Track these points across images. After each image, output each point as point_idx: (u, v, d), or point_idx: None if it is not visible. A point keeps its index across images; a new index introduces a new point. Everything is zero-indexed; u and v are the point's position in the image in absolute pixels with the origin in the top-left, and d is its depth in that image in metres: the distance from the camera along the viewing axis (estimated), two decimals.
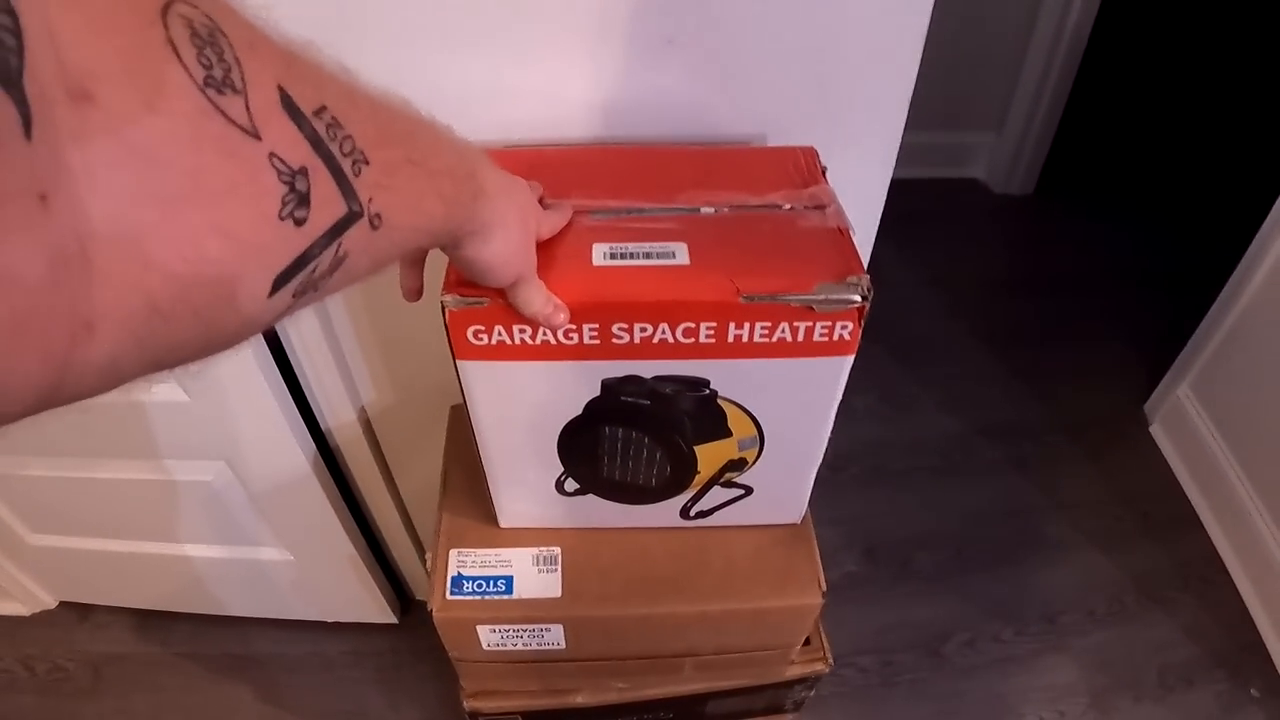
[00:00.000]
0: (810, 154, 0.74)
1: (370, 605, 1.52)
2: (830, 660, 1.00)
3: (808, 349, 0.62)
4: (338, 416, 1.15)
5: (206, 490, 1.22)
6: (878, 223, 0.94)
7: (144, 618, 1.65)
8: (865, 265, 0.63)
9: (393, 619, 1.59)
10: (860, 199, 0.89)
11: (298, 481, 1.19)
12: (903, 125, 0.83)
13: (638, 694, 0.98)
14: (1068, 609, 1.66)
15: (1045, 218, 2.65)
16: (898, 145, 0.85)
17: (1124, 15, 2.47)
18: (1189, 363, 1.84)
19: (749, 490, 0.79)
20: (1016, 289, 2.42)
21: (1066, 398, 2.05)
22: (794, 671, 1.00)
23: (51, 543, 1.45)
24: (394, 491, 1.32)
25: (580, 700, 0.98)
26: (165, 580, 1.50)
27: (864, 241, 0.93)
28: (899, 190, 2.75)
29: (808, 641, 1.01)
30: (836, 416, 0.69)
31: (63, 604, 1.69)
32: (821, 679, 1.04)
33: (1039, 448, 1.95)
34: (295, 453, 1.14)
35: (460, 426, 0.94)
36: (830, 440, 0.72)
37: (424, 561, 1.47)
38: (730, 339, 0.62)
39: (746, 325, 0.61)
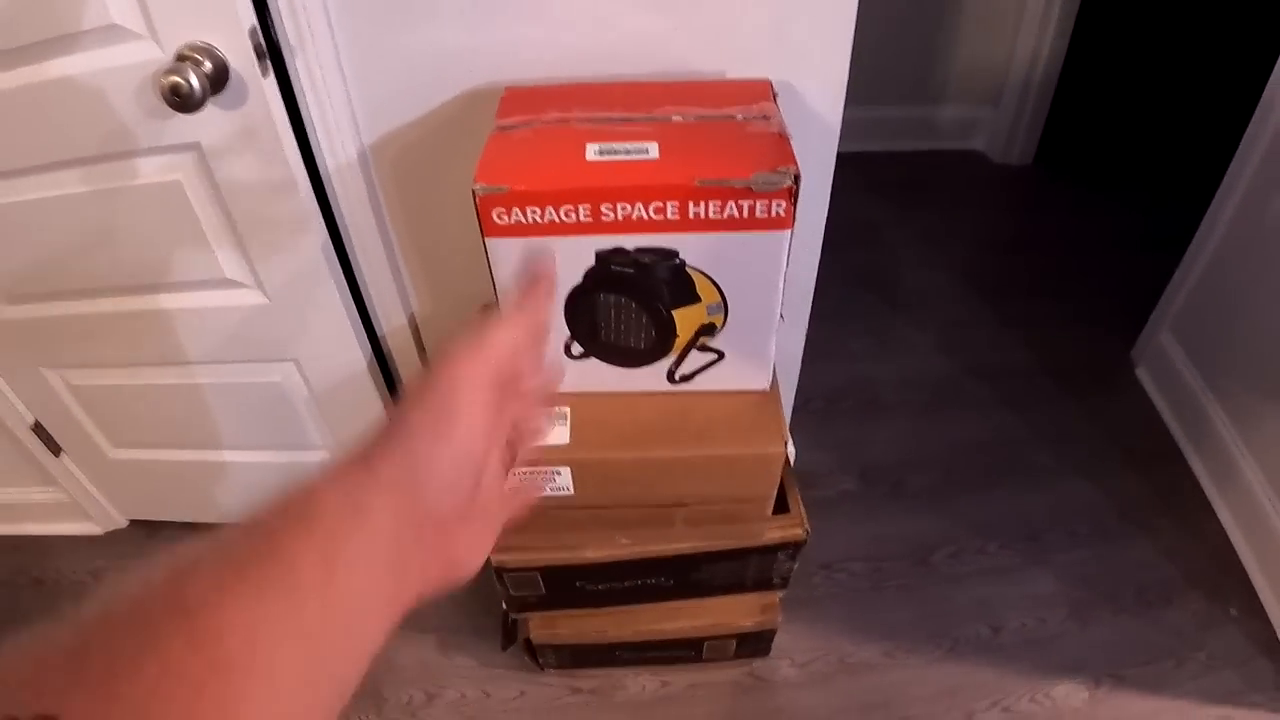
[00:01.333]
0: (764, 84, 0.94)
1: None
2: (807, 527, 1.18)
3: (752, 224, 0.82)
4: (391, 322, 1.36)
5: (275, 392, 1.43)
6: (836, 142, 1.12)
7: (209, 532, 1.85)
8: (797, 160, 0.82)
9: None
10: (818, 125, 1.08)
11: (355, 381, 1.40)
12: (848, 60, 1.02)
13: (639, 550, 1.17)
14: (1050, 528, 1.79)
15: (1042, 185, 2.80)
16: (845, 77, 1.04)
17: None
18: (1168, 308, 1.99)
19: (721, 355, 0.98)
20: (1010, 248, 2.57)
21: (1056, 344, 2.19)
22: (773, 535, 1.18)
23: (130, 455, 1.67)
24: None
25: (590, 555, 1.18)
26: (230, 492, 1.71)
27: (825, 160, 1.13)
28: (902, 161, 2.93)
29: (786, 510, 1.20)
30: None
31: (133, 523, 1.90)
32: (802, 547, 1.21)
33: (1027, 387, 2.09)
34: (355, 353, 1.35)
35: None
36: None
37: None
38: (691, 216, 0.81)
39: (703, 204, 0.80)
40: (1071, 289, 2.38)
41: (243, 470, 1.64)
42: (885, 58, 2.58)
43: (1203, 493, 1.83)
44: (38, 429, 1.61)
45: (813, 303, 1.39)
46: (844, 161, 1.16)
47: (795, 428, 1.76)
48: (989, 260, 2.50)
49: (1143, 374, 2.09)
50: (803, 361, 1.54)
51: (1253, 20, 2.68)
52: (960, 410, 2.04)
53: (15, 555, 1.87)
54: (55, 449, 1.66)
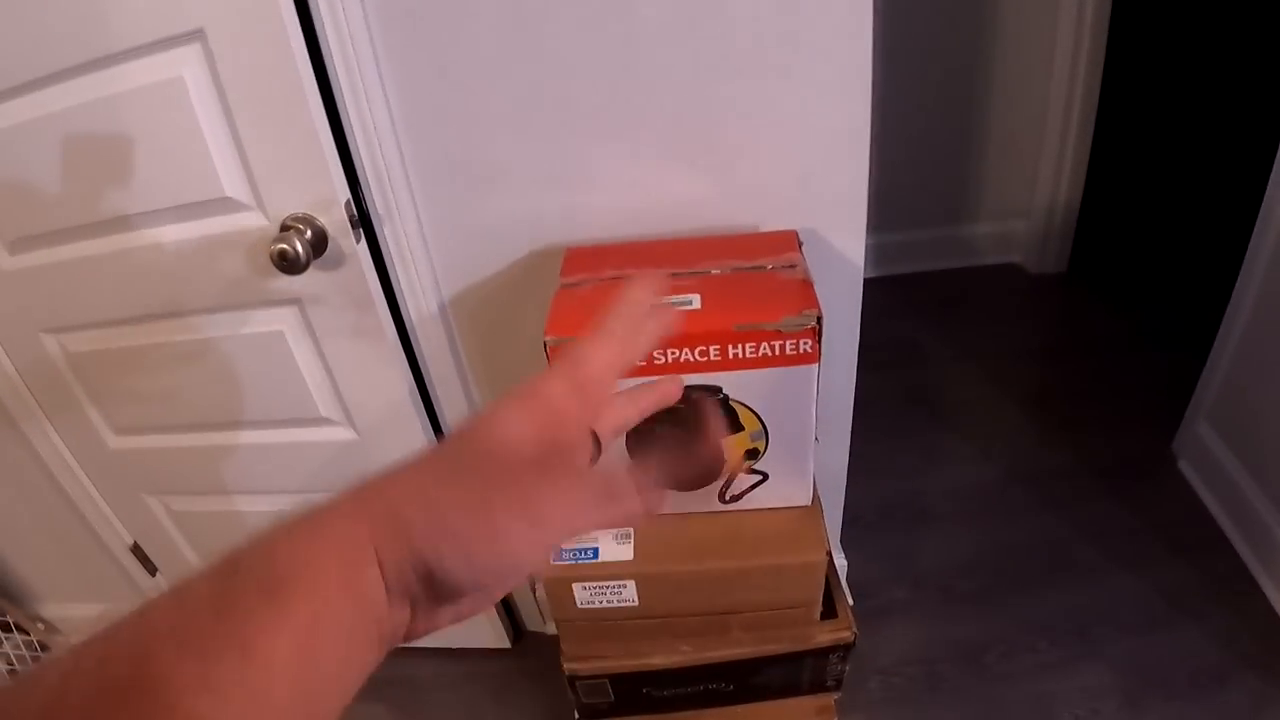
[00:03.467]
0: (790, 235, 1.08)
1: (488, 630, 1.83)
2: (855, 630, 1.27)
3: (783, 360, 0.94)
4: None
5: None
6: (861, 277, 1.25)
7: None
8: (819, 303, 0.94)
9: (506, 644, 1.89)
10: (842, 263, 1.22)
11: None
12: (865, 205, 1.16)
13: (700, 656, 1.26)
14: (1100, 622, 1.82)
15: (1076, 292, 2.89)
16: (864, 219, 1.18)
17: (1128, 100, 2.74)
18: (1203, 400, 2.05)
19: (765, 476, 1.09)
20: (1049, 355, 2.66)
21: (1098, 445, 2.25)
22: (824, 638, 1.27)
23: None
24: None
25: (655, 662, 1.27)
26: None
27: (852, 293, 1.27)
28: (943, 279, 3.06)
29: (835, 615, 1.29)
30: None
31: None
32: (851, 649, 1.29)
33: (1072, 488, 2.14)
34: None
35: None
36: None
37: (534, 591, 1.78)
38: (730, 356, 0.94)
39: (740, 345, 0.93)
40: (1111, 389, 2.44)
41: None
42: (917, 184, 2.75)
43: (1251, 576, 1.85)
44: (136, 550, 1.75)
45: (862, 420, 1.50)
46: (887, 284, 1.29)
47: (847, 541, 1.85)
48: (1029, 368, 2.59)
49: (1185, 466, 2.13)
50: (854, 478, 1.63)
51: (1256, 125, 2.78)
52: (1007, 515, 2.09)
53: None
54: (152, 569, 1.80)
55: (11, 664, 1.90)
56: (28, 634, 1.93)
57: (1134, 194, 3.03)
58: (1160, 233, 3.00)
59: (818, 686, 1.38)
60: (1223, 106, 2.95)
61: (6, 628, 1.90)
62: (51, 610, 1.99)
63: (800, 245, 1.08)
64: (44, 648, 1.96)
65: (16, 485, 1.66)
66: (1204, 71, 2.94)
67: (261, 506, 1.59)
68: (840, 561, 1.84)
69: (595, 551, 1.12)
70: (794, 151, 1.13)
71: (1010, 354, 2.67)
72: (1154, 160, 3.03)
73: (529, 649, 1.92)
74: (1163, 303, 2.74)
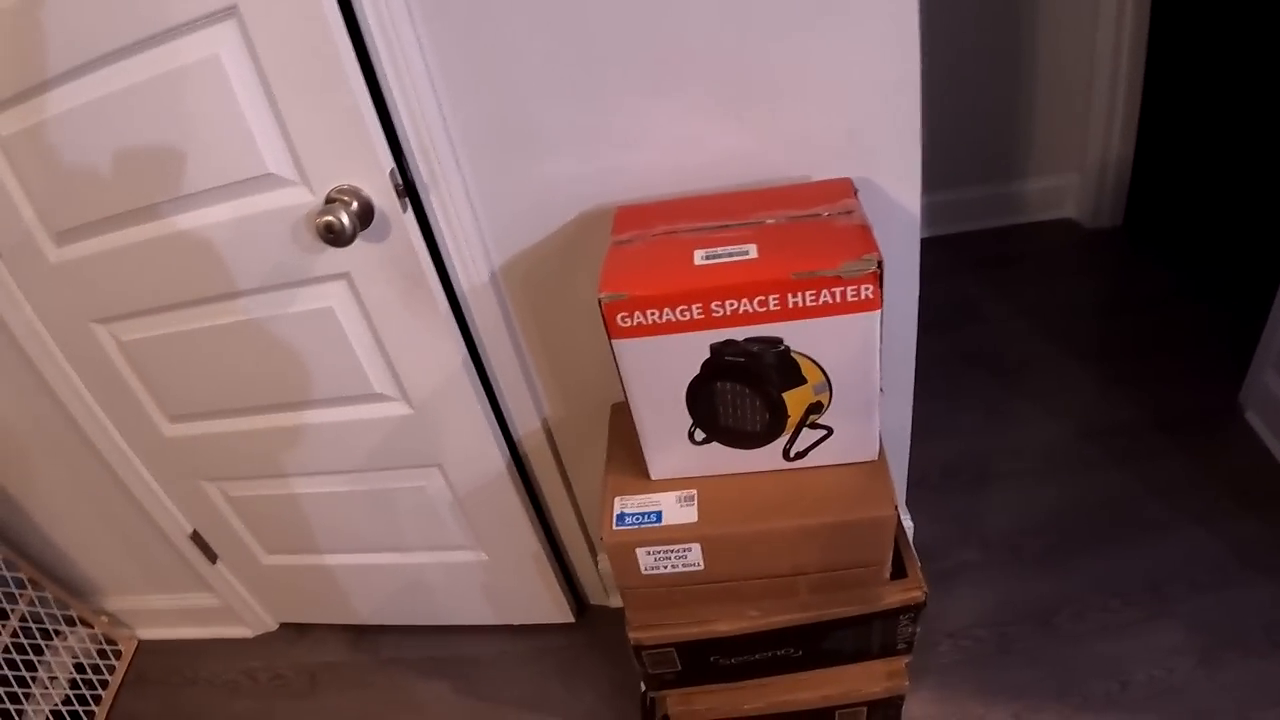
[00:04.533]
0: (845, 182, 1.05)
1: (551, 605, 1.82)
2: (925, 589, 1.24)
3: (845, 308, 0.92)
4: (526, 425, 1.50)
5: (421, 496, 1.57)
6: (918, 225, 1.21)
7: (355, 633, 2.00)
8: (879, 247, 0.91)
9: (570, 618, 1.88)
10: (899, 213, 1.18)
11: (495, 483, 1.52)
12: (919, 151, 1.12)
13: (768, 621, 1.24)
14: (1171, 579, 1.77)
15: (1132, 246, 2.81)
16: (919, 166, 1.14)
17: (1177, 48, 2.66)
18: (1270, 349, 1.98)
19: (830, 431, 1.07)
20: (1108, 309, 2.59)
21: (1162, 399, 2.19)
22: (894, 599, 1.24)
23: (282, 561, 1.82)
24: (571, 496, 1.65)
25: (721, 628, 1.25)
26: (376, 592, 1.85)
27: (910, 242, 1.23)
28: (998, 237, 3.01)
29: (905, 574, 1.26)
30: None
31: (282, 625, 2.06)
32: (922, 610, 1.26)
33: (1137, 444, 2.09)
34: (495, 457, 1.48)
35: (619, 418, 1.25)
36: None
37: (596, 563, 1.78)
38: (790, 305, 0.91)
39: (800, 294, 0.90)
40: (1172, 342, 2.38)
41: (389, 572, 1.77)
42: (964, 139, 2.68)
43: None
44: (195, 538, 1.78)
45: (922, 383, 1.47)
46: (941, 244, 1.25)
47: (912, 503, 1.81)
48: (1088, 324, 2.53)
49: (1252, 417, 2.07)
50: (916, 440, 1.60)
51: None
52: (1072, 473, 2.05)
53: (170, 657, 2.04)
54: (212, 556, 1.83)
55: (77, 657, 1.94)
56: (92, 627, 1.98)
57: (1188, 144, 2.94)
58: (1216, 183, 2.91)
59: (888, 650, 1.36)
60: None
61: (71, 621, 1.94)
62: (114, 603, 2.03)
63: (856, 192, 1.04)
64: (109, 640, 2.01)
65: (74, 479, 1.69)
66: (1260, 14, 2.84)
67: (319, 488, 1.60)
68: (906, 523, 1.81)
69: (659, 515, 1.10)
70: (843, 101, 1.09)
71: (1068, 310, 2.60)
72: (1208, 108, 2.94)
73: (593, 622, 1.91)
74: (1221, 253, 2.65)
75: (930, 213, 2.83)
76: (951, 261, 2.81)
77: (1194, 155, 2.96)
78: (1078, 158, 2.78)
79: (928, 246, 1.27)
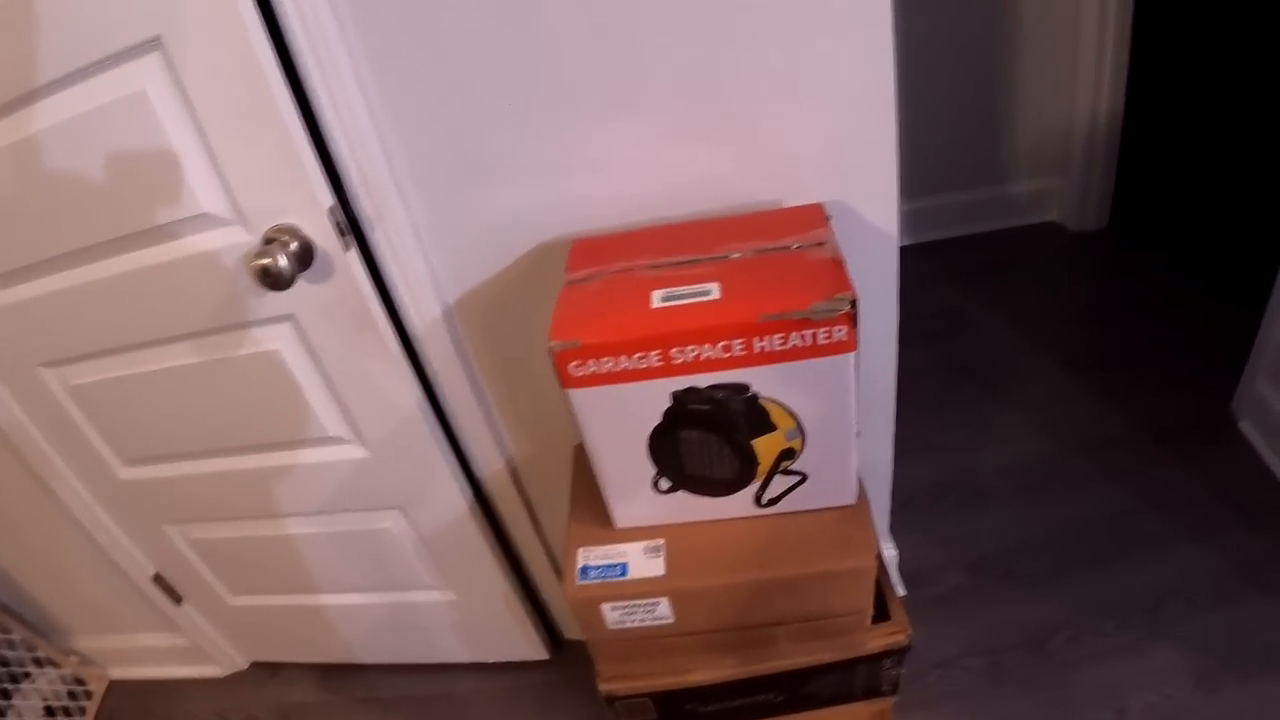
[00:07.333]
0: (816, 209, 0.98)
1: (524, 643, 1.76)
2: (909, 632, 1.18)
3: (817, 351, 0.84)
4: (490, 465, 1.43)
5: (385, 537, 1.50)
6: (896, 249, 1.15)
7: (327, 672, 1.93)
8: (852, 284, 0.85)
9: (544, 655, 1.81)
10: (876, 236, 1.11)
11: (459, 524, 1.46)
12: (895, 171, 1.06)
13: (746, 669, 1.18)
14: (1168, 599, 1.72)
15: (1119, 248, 2.76)
16: (895, 188, 1.08)
17: (1161, 48, 2.61)
18: (1261, 356, 1.93)
19: (804, 476, 1.00)
20: (1096, 316, 2.53)
21: (1154, 408, 2.13)
22: (876, 644, 1.17)
23: (249, 602, 1.76)
24: (539, 535, 1.58)
25: (698, 677, 1.18)
26: (346, 632, 1.78)
27: (887, 267, 1.16)
28: (983, 242, 2.95)
29: (887, 617, 1.19)
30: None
31: (254, 665, 2.00)
32: (906, 652, 1.20)
33: (1130, 456, 2.03)
34: (457, 497, 1.41)
35: (582, 459, 1.18)
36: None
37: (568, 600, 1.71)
38: (757, 350, 0.84)
39: (767, 338, 0.83)
40: (1163, 349, 2.33)
41: (359, 611, 1.71)
42: (949, 144, 2.63)
43: None
44: (159, 580, 1.73)
45: (907, 396, 1.40)
46: (925, 251, 1.19)
47: (899, 527, 1.75)
48: (1077, 332, 2.47)
49: (1246, 427, 2.02)
50: (902, 458, 1.54)
51: None
52: (1064, 489, 1.99)
53: (142, 697, 1.98)
54: (176, 598, 1.77)
55: (46, 699, 1.89)
56: (61, 667, 1.93)
57: (1174, 143, 2.90)
58: (1204, 183, 2.87)
59: (872, 692, 1.30)
60: (1267, 46, 2.81)
61: (39, 662, 1.89)
62: (84, 642, 1.98)
63: (828, 220, 0.97)
64: (79, 681, 1.96)
65: (36, 522, 1.64)
66: (1245, 17, 2.80)
67: (281, 530, 1.54)
68: (891, 552, 1.75)
69: (624, 569, 1.04)
70: (814, 118, 1.02)
71: (1056, 317, 2.55)
72: (1194, 107, 2.90)
73: (569, 658, 1.85)
74: (1210, 256, 2.60)
75: (913, 219, 2.77)
76: (936, 269, 2.75)
77: (1180, 155, 2.92)
78: (1061, 158, 2.73)
79: (911, 254, 1.21)
